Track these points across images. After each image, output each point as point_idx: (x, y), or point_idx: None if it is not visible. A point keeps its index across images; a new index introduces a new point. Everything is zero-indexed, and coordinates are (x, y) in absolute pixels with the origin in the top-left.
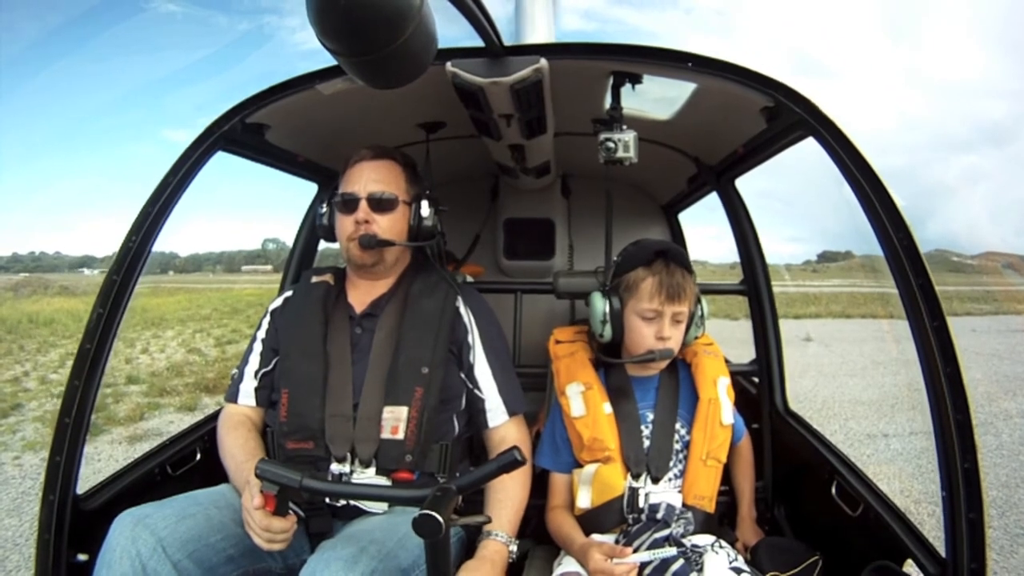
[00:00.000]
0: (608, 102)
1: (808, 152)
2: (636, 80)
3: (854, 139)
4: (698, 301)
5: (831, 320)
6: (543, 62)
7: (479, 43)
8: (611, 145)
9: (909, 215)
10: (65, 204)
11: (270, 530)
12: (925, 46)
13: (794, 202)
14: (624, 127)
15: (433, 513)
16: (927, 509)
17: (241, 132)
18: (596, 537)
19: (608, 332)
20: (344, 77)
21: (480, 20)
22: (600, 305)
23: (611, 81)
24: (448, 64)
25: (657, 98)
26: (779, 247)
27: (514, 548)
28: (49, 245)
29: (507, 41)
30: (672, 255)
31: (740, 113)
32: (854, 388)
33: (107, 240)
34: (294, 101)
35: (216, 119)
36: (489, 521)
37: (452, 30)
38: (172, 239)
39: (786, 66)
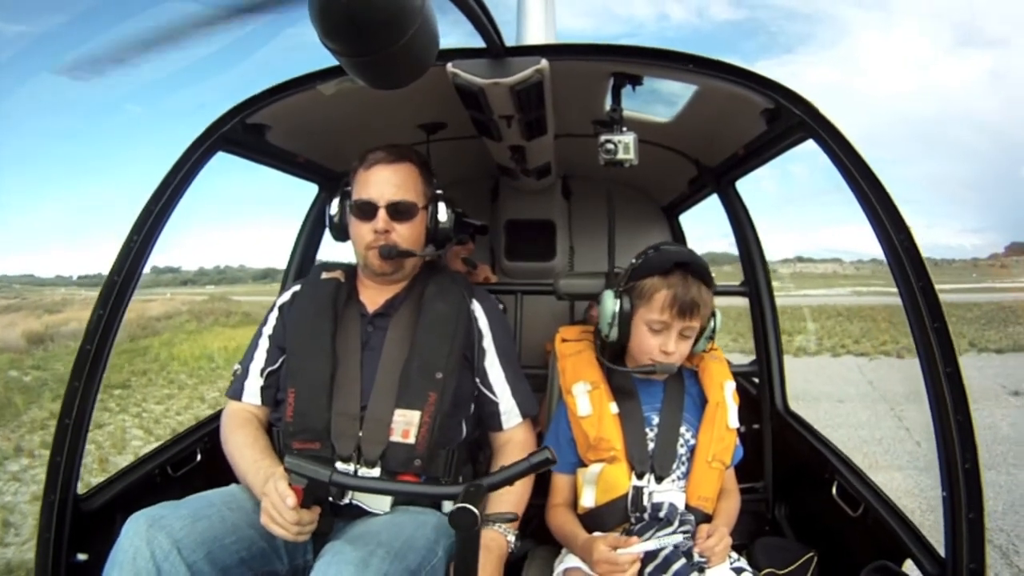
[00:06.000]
0: (608, 103)
1: (989, 131)
2: (637, 81)
3: (853, 141)
4: (712, 315)
5: None
6: (544, 63)
7: (480, 44)
8: (611, 147)
9: None
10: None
11: (300, 523)
12: None
13: (976, 186)
14: (624, 129)
15: (470, 506)
16: None
17: (241, 132)
18: (599, 535)
19: (614, 334)
20: (345, 77)
21: (482, 20)
22: (610, 305)
23: (611, 82)
24: (449, 65)
25: (657, 100)
26: (957, 238)
27: (512, 539)
28: (234, 259)
29: (508, 42)
30: (692, 268)
31: (740, 115)
32: None
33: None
34: (295, 101)
35: (216, 119)
36: (516, 518)
37: (454, 31)
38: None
39: (948, 36)
